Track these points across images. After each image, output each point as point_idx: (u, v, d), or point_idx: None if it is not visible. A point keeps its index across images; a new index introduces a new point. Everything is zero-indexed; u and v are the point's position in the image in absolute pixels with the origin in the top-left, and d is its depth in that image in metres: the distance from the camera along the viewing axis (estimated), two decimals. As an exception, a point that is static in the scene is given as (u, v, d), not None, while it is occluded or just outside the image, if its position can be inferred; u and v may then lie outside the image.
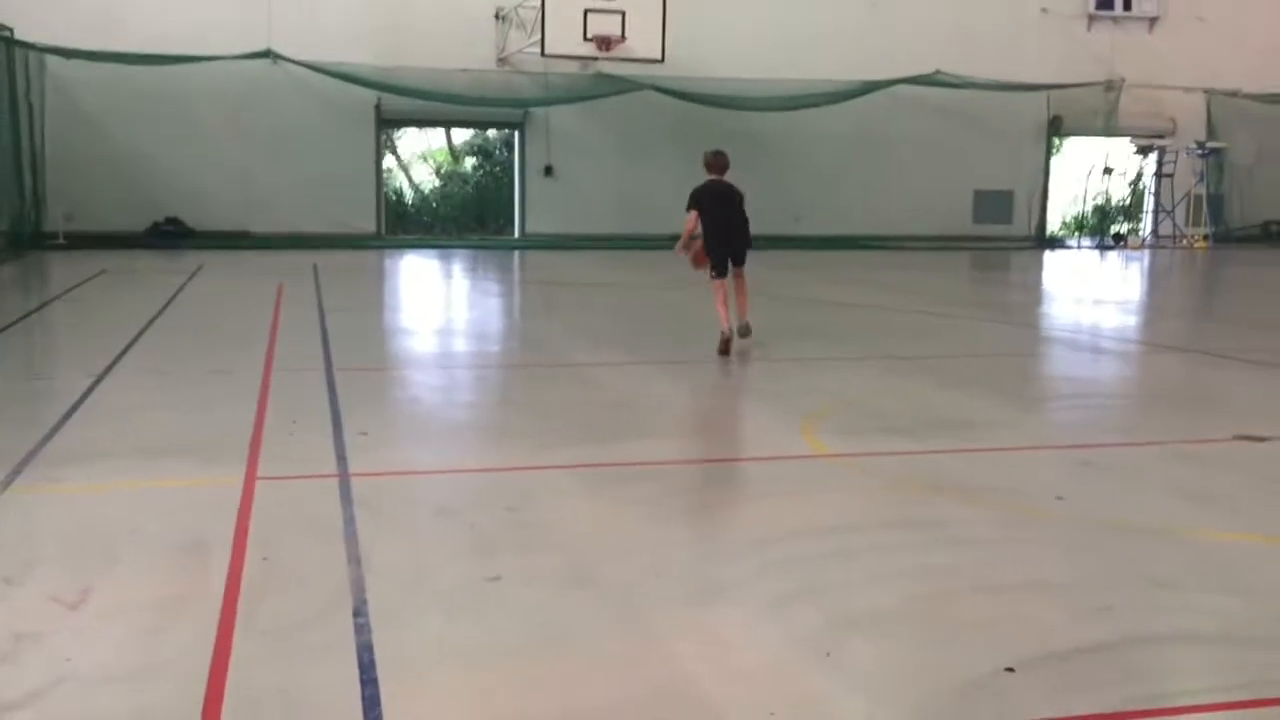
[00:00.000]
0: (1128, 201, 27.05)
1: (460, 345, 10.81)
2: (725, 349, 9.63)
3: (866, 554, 4.65)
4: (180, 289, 14.20)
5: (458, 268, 19.02)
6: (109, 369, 8.72)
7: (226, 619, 3.86)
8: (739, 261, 10.22)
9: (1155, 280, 19.80)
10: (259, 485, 5.53)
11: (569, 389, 8.27)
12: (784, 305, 13.54)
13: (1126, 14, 25.54)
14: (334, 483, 5.58)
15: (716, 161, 10.26)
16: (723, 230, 10.03)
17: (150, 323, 11.18)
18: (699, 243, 10.13)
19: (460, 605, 4.04)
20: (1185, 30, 25.68)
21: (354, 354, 9.72)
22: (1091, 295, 16.45)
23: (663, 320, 12.73)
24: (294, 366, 8.92)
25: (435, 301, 14.76)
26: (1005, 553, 4.75)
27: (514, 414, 7.46)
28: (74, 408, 7.40)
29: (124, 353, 9.44)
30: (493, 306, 14.56)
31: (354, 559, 4.46)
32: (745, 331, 9.93)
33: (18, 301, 13.68)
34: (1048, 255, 23.76)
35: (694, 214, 9.99)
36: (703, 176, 10.19)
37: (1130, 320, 13.86)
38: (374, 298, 15.06)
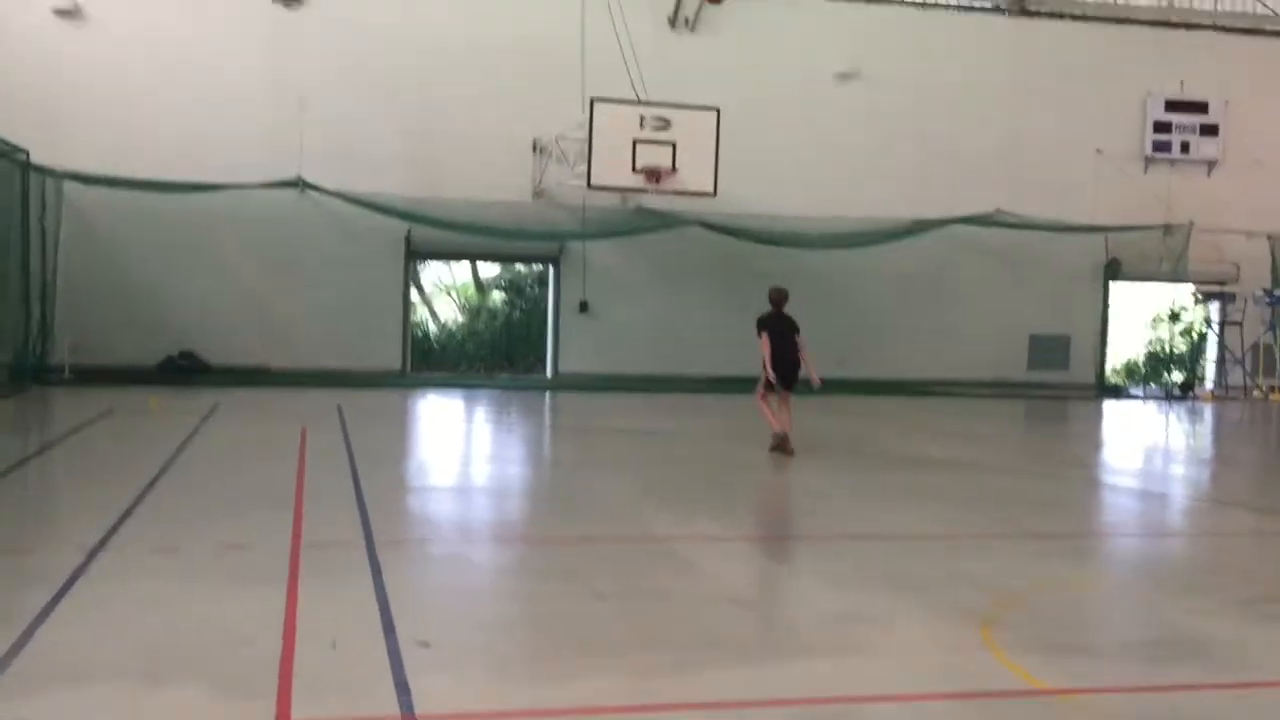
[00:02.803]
0: (1187, 349, 25.71)
1: (516, 510, 9.29)
2: (779, 445, 12.05)
3: None
4: (193, 433, 12.77)
5: (492, 411, 17.61)
6: (105, 540, 7.25)
7: None
8: (789, 386, 12.40)
9: (1263, 437, 18.27)
10: (297, 742, 4.00)
11: (664, 576, 6.74)
12: (869, 461, 12.08)
13: (1184, 157, 24.63)
14: (400, 739, 4.05)
15: (780, 297, 12.65)
16: (780, 355, 12.26)
17: (158, 477, 9.71)
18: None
19: None
20: (1245, 174, 24.75)
21: (394, 522, 8.23)
22: (1206, 453, 14.97)
23: (737, 481, 11.22)
24: (326, 540, 7.42)
25: (476, 452, 13.27)
26: None
27: (611, 615, 5.90)
28: (57, 597, 5.90)
29: (125, 517, 7.97)
30: (541, 459, 13.07)
31: None
32: (791, 451, 11.95)
33: (12, 446, 12.23)
34: (1115, 405, 22.30)
35: (765, 337, 12.32)
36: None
37: None
38: (407, 447, 13.60)
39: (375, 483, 9.80)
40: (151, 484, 9.34)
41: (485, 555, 7.32)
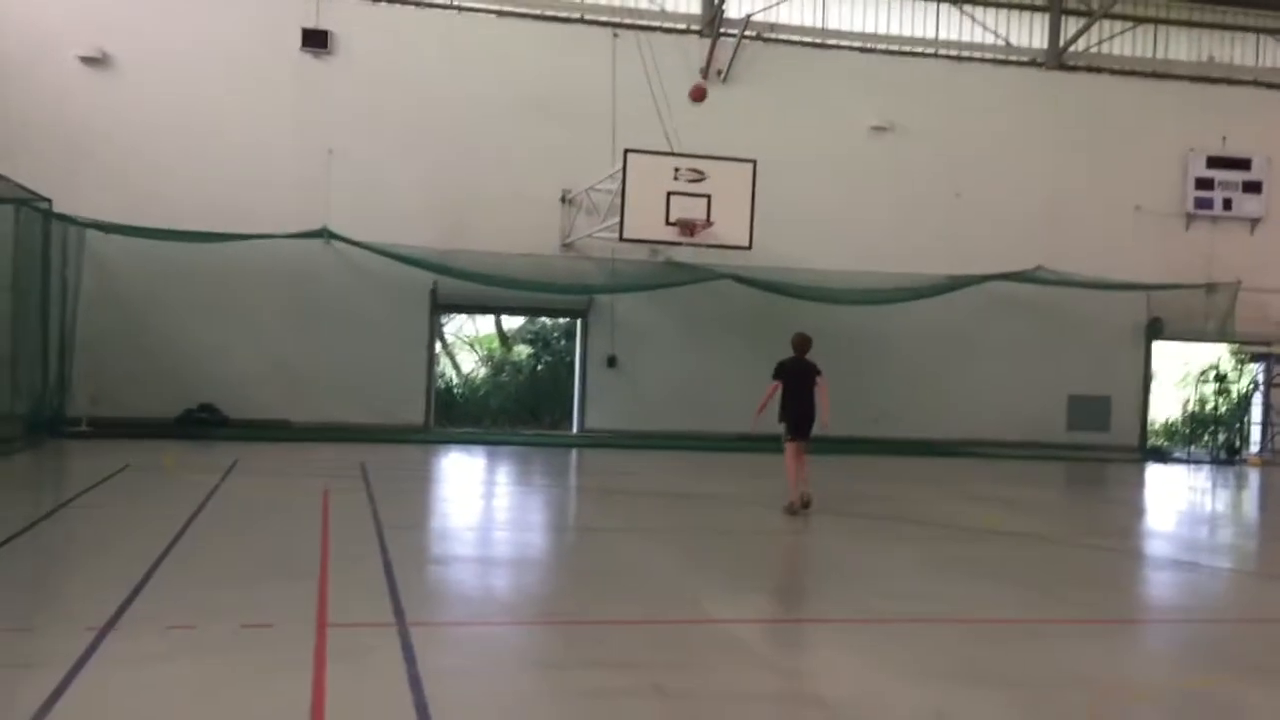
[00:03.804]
0: (1229, 411, 24.96)
1: (557, 585, 8.65)
2: (792, 511, 12.04)
3: None
4: (212, 492, 12.23)
5: (520, 470, 17.02)
6: (116, 617, 6.67)
7: None
8: (804, 436, 12.38)
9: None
10: None
11: (732, 668, 6.11)
12: (919, 531, 11.41)
13: (1227, 214, 24.08)
14: None
15: (804, 344, 12.68)
16: (796, 400, 12.37)
17: (173, 543, 9.14)
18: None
19: None
20: (1289, 232, 24.19)
21: (426, 599, 7.64)
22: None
23: (786, 552, 10.61)
24: (355, 620, 6.83)
25: (507, 517, 12.64)
26: None
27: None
28: (61, 687, 5.33)
29: (138, 590, 7.40)
30: (576, 526, 12.46)
31: None
32: (809, 501, 12.17)
33: (23, 506, 11.70)
34: (1161, 470, 21.54)
35: (775, 384, 12.41)
36: (775, 361, 12.60)
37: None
38: (435, 509, 13.00)
39: (403, 552, 9.22)
40: (166, 551, 8.78)
41: (529, 640, 6.71)
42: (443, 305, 22.02)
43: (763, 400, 12.47)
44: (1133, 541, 11.99)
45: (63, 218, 18.38)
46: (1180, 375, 26.68)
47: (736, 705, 5.48)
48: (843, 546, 10.49)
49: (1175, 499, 17.11)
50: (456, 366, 28.09)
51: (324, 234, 20.14)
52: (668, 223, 17.24)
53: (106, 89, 19.83)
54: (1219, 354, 25.07)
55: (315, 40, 20.49)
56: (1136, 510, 15.69)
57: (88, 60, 19.74)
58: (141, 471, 14.13)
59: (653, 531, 11.24)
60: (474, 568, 9.13)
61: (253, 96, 20.32)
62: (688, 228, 17.20)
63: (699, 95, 17.57)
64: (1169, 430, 26.54)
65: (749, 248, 17.89)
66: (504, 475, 16.70)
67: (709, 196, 17.32)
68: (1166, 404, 26.65)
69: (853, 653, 6.47)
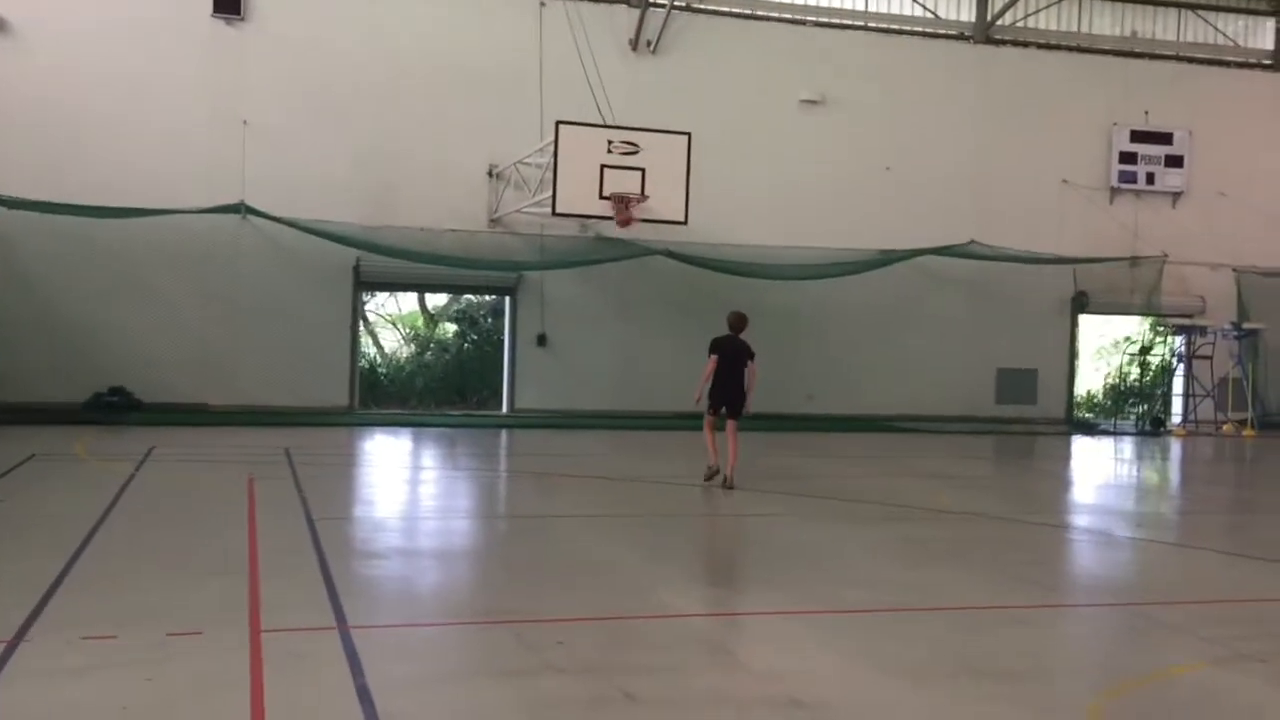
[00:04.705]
0: (1150, 382, 25.28)
1: (505, 579, 8.09)
2: (710, 477, 12.28)
3: None
4: (127, 483, 11.54)
5: (451, 453, 16.50)
6: (27, 625, 6.12)
7: None
8: (734, 413, 12.44)
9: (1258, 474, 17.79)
10: None
11: (703, 668, 5.75)
12: (866, 511, 11.17)
13: (1150, 188, 24.28)
14: None
15: (739, 323, 12.72)
16: (727, 379, 12.37)
17: (88, 540, 8.52)
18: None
19: None
20: (1210, 206, 24.45)
21: (370, 600, 7.15)
22: (1226, 497, 14.34)
23: (739, 539, 10.30)
24: (292, 624, 6.34)
25: (444, 504, 12.10)
26: None
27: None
28: (-34, 710, 4.78)
29: (50, 593, 6.82)
30: (517, 513, 11.98)
31: None
32: (730, 485, 12.10)
33: (-81, 499, 10.93)
34: (1090, 441, 21.72)
35: (714, 359, 12.36)
36: (709, 339, 12.64)
37: None
38: (367, 497, 12.40)
39: (337, 545, 8.70)
40: (80, 549, 8.16)
41: (483, 642, 6.25)
42: (366, 283, 21.29)
43: (703, 379, 12.46)
44: (1083, 518, 11.90)
45: (-42, 192, 17.32)
46: (1108, 348, 27.04)
47: (714, 712, 5.12)
48: (795, 530, 10.19)
49: (1112, 472, 17.20)
50: (379, 346, 27.33)
51: (240, 209, 19.28)
52: (601, 196, 16.75)
53: (5, 55, 18.70)
54: (1140, 327, 25.37)
55: (227, 5, 19.52)
56: (1076, 484, 15.70)
57: (-17, 25, 18.62)
58: (49, 461, 13.33)
59: (596, 517, 10.84)
60: (414, 562, 8.65)
61: (162, 64, 19.33)
62: (622, 202, 16.72)
63: (625, 222, 16.57)
64: (1090, 402, 26.83)
65: (685, 223, 17.50)
66: (434, 459, 16.18)
67: (643, 170, 16.86)
68: (1089, 377, 26.97)
69: (830, 649, 6.15)
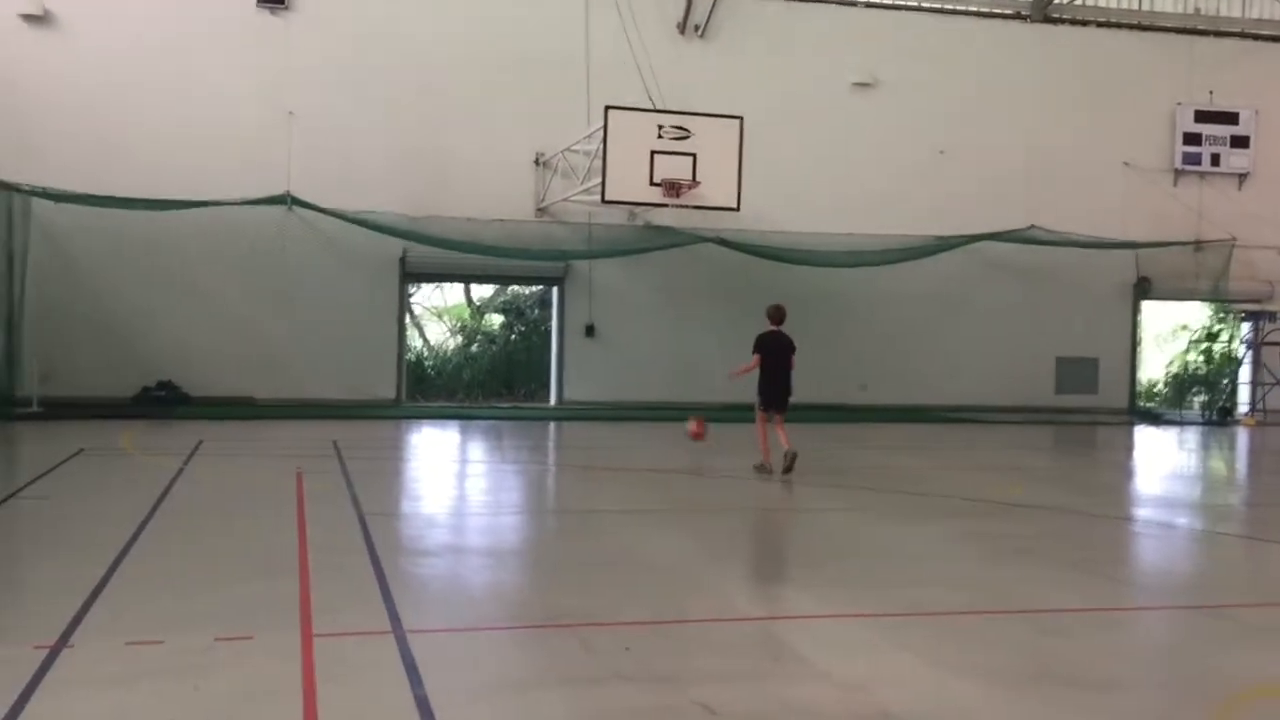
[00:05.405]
0: (1215, 370, 24.50)
1: (566, 581, 7.74)
2: (765, 470, 12.22)
3: None
4: (175, 478, 11.34)
5: (501, 446, 16.21)
6: (71, 629, 5.85)
7: None
8: (782, 409, 12.52)
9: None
10: None
11: (782, 678, 5.37)
12: (934, 505, 10.73)
13: (1215, 169, 23.51)
14: None
15: (778, 315, 12.60)
16: (778, 374, 12.44)
17: (135, 537, 8.28)
18: (701, 427, 13.32)
19: None
20: (1276, 187, 23.64)
21: (425, 602, 6.83)
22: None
23: (804, 534, 9.91)
24: (345, 628, 6.03)
25: (498, 499, 11.73)
26: None
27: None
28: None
29: (95, 595, 6.56)
30: (572, 509, 11.65)
31: None
32: (790, 468, 12.01)
33: (-33, 496, 10.79)
34: (1159, 432, 21.03)
35: (757, 357, 12.45)
36: (759, 329, 12.68)
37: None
38: (417, 492, 12.10)
39: (389, 543, 8.41)
40: (127, 548, 7.92)
41: (545, 648, 5.90)
42: (412, 274, 21.08)
43: (743, 369, 12.67)
44: (1156, 512, 11.37)
45: (6, 185, 17.25)
46: (1166, 335, 26.26)
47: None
48: (857, 525, 9.79)
49: (1181, 463, 16.59)
50: (425, 338, 27.14)
51: (286, 200, 19.10)
52: (651, 183, 16.37)
53: (50, 47, 18.63)
54: (1204, 313, 24.62)
55: (272, -5, 19.36)
56: (1145, 477, 15.12)
57: (29, 18, 18.52)
58: (97, 456, 13.18)
59: (652, 513, 10.48)
60: (468, 560, 8.33)
61: (207, 55, 19.19)
62: (672, 189, 16.34)
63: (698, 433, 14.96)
64: (1150, 392, 26.09)
65: (737, 209, 17.08)
66: (483, 452, 15.90)
67: (694, 155, 16.47)
68: (1152, 365, 26.23)
69: (910, 654, 5.75)
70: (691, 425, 13.45)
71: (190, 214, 18.60)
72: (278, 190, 19.03)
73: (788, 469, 12.12)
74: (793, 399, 12.84)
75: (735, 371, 12.83)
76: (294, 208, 19.20)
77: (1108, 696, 5.18)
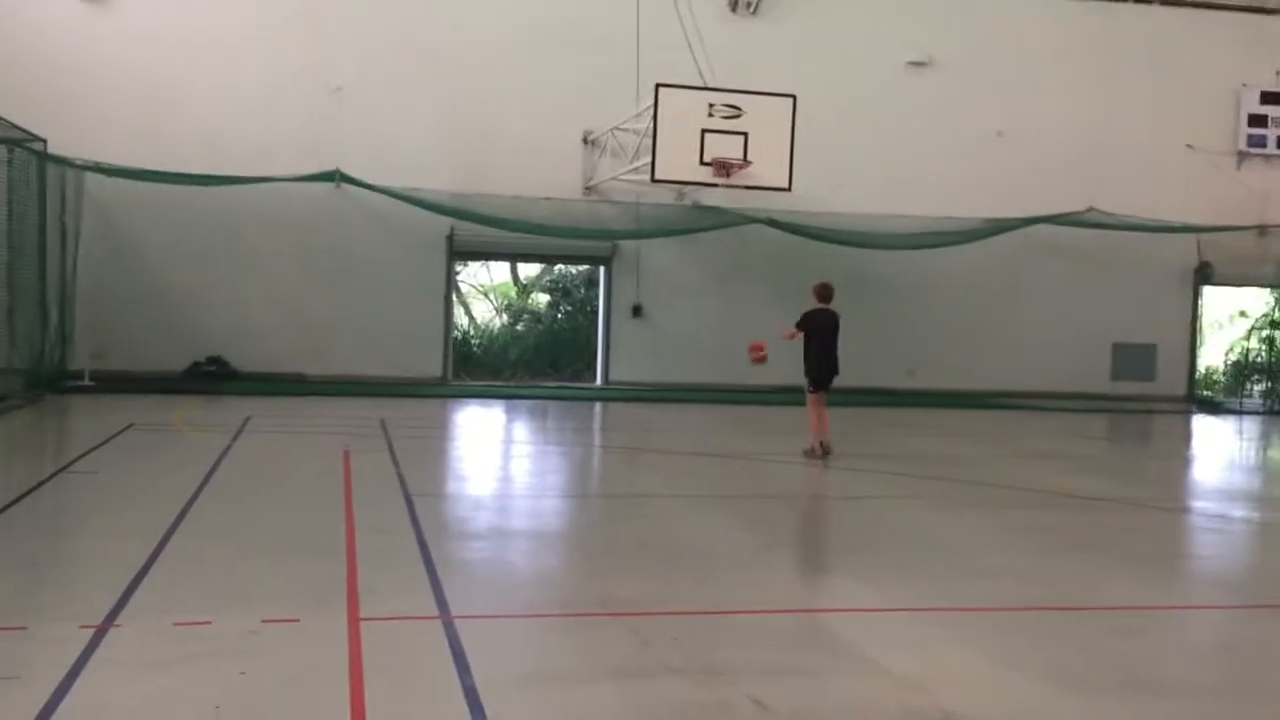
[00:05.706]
0: (1272, 359, 23.88)
1: (616, 566, 7.62)
2: (814, 455, 12.07)
3: None
4: (223, 454, 11.35)
5: (548, 426, 16.15)
6: (118, 609, 5.81)
7: None
8: (827, 387, 12.41)
9: None
10: None
11: (838, 673, 5.22)
12: (985, 495, 10.49)
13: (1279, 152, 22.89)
14: None
15: (826, 293, 12.56)
16: (826, 352, 12.32)
17: (183, 514, 8.27)
18: (765, 355, 12.85)
19: None
20: (1343, 171, 22.99)
21: (473, 586, 6.74)
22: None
23: (857, 523, 9.73)
24: (392, 612, 5.95)
25: (545, 482, 11.65)
26: None
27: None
28: (51, 705, 4.46)
29: (142, 574, 6.52)
30: (622, 493, 11.54)
31: None
32: (829, 450, 12.11)
33: (19, 470, 10.85)
34: (1217, 421, 20.55)
35: (799, 332, 12.45)
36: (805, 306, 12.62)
37: None
38: (464, 472, 12.04)
39: (436, 525, 8.34)
40: (175, 525, 7.90)
41: (595, 638, 5.75)
42: (459, 252, 21.01)
43: (787, 335, 12.66)
44: (1221, 504, 11.05)
45: (59, 160, 17.37)
46: (1223, 321, 25.64)
47: (855, 724, 4.59)
48: (911, 514, 9.58)
49: (1244, 454, 16.19)
50: (471, 317, 27.12)
51: (335, 177, 19.08)
52: (702, 162, 16.16)
53: (103, 22, 18.69)
54: (1265, 299, 24.02)
55: (322, -29, 19.29)
56: (1208, 467, 14.74)
57: (84, -4, 18.61)
58: (146, 430, 13.24)
59: (702, 498, 10.34)
60: (515, 544, 8.23)
61: (256, 31, 19.18)
62: (723, 168, 16.12)
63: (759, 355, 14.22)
64: (1209, 380, 25.51)
65: (789, 189, 16.82)
66: (530, 432, 15.82)
67: (745, 134, 16.25)
68: (1208, 352, 25.63)
69: (972, 651, 5.57)
70: (756, 351, 13.03)
71: (240, 190, 18.63)
72: (327, 167, 19.01)
73: (815, 454, 12.13)
74: (837, 380, 12.70)
75: (787, 334, 12.72)
76: (342, 184, 19.18)
77: (1192, 702, 4.97)
